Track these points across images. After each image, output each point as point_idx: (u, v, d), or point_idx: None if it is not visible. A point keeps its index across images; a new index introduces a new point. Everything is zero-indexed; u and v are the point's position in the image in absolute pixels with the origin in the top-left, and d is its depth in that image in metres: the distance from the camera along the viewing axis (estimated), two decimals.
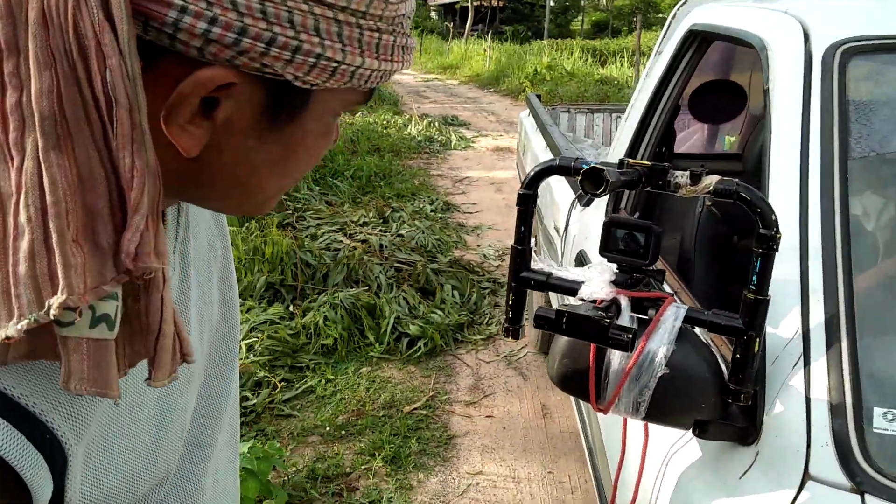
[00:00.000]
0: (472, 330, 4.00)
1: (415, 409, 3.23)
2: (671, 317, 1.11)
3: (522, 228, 1.21)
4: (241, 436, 2.96)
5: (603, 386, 1.14)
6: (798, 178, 1.22)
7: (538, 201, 3.76)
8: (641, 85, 2.34)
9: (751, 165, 2.14)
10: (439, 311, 4.04)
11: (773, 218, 1.02)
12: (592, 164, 0.97)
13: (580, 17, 43.70)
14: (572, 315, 1.01)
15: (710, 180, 1.07)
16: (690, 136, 3.55)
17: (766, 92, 1.42)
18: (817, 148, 1.22)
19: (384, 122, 10.20)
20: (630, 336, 0.99)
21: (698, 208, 2.04)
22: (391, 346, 3.73)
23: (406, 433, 3.03)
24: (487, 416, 3.22)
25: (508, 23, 39.23)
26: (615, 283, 1.14)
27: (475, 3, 35.77)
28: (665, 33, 2.31)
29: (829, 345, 1.06)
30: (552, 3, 40.20)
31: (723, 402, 1.10)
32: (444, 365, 3.66)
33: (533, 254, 1.25)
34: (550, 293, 1.84)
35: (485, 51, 21.39)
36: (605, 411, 1.15)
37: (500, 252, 5.33)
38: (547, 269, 1.24)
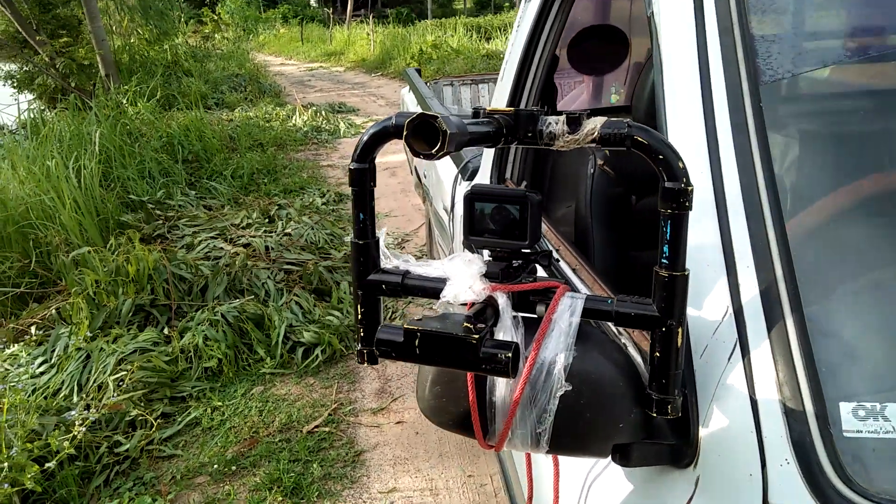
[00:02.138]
0: None
1: (316, 426, 2.89)
2: (566, 312, 0.84)
3: (362, 216, 0.90)
4: (115, 489, 2.55)
5: (490, 416, 0.86)
6: (702, 113, 0.96)
7: (423, 180, 3.45)
8: (514, 38, 2.07)
9: (641, 115, 1.92)
10: (337, 313, 3.70)
11: (681, 165, 0.76)
12: (424, 112, 0.67)
13: None
14: (427, 335, 0.71)
15: (594, 124, 0.79)
16: (578, 96, 3.34)
17: (649, 19, 1.16)
18: (720, 75, 0.97)
19: (266, 116, 9.65)
20: (509, 355, 0.70)
21: (590, 169, 1.80)
22: (285, 358, 3.36)
23: (307, 457, 2.69)
24: (398, 423, 2.92)
25: (391, 6, 38.71)
26: (488, 276, 0.85)
27: None
28: None
29: (770, 323, 0.81)
30: None
31: (645, 417, 0.83)
32: (347, 371, 3.33)
33: (382, 247, 0.94)
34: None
35: (368, 35, 20.87)
36: (497, 448, 0.86)
37: (400, 240, 5.03)
38: (402, 266, 0.94)
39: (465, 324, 0.72)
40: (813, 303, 0.83)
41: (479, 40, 19.19)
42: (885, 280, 0.89)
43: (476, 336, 0.70)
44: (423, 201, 3.91)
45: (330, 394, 3.13)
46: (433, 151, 0.66)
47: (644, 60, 2.65)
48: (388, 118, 0.88)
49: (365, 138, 0.90)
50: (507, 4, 37.03)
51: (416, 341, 0.71)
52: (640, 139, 0.76)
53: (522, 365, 0.80)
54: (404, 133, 0.66)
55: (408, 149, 0.68)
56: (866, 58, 1.06)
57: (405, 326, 0.72)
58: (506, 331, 0.83)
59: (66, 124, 5.98)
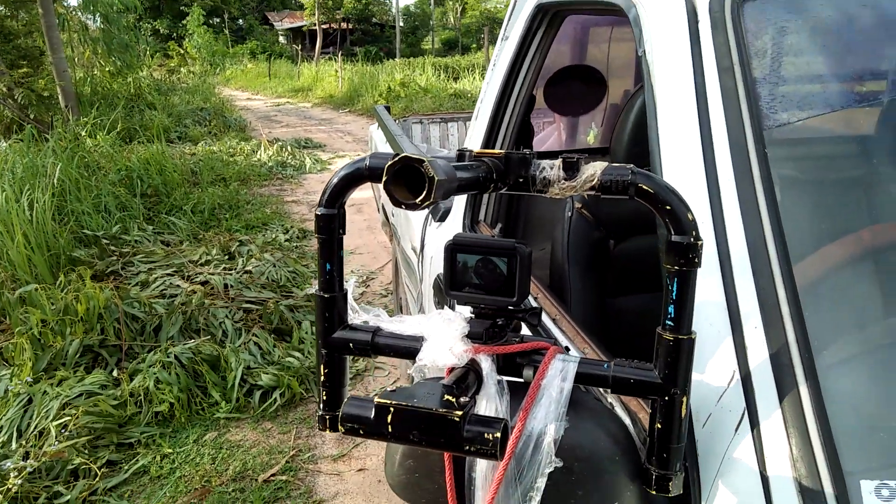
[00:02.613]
0: None
1: (272, 475, 2.72)
2: (556, 377, 0.75)
3: (329, 266, 0.80)
4: None
5: (469, 494, 0.76)
6: (702, 160, 0.89)
7: (391, 219, 3.34)
8: (489, 77, 2.01)
9: (622, 159, 1.86)
10: (297, 354, 3.54)
11: (690, 218, 0.68)
12: (408, 155, 0.58)
13: (430, 37, 44.29)
14: (401, 410, 0.61)
15: (594, 169, 0.71)
16: (549, 136, 3.31)
17: (640, 58, 1.10)
18: (721, 120, 0.90)
19: (230, 150, 9.49)
20: (497, 435, 0.60)
21: (567, 212, 1.73)
22: (241, 402, 3.19)
23: None
24: (359, 470, 2.77)
25: (359, 44, 39.11)
26: (470, 336, 0.76)
27: (323, 26, 35.25)
28: (510, 15, 1.99)
29: (781, 391, 0.73)
30: (402, 24, 40.53)
31: (643, 495, 0.74)
32: (306, 415, 3.17)
33: (350, 301, 0.84)
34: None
35: (337, 71, 20.93)
36: None
37: (365, 277, 4.91)
38: (373, 321, 0.84)
39: (446, 396, 0.63)
40: (829, 367, 0.76)
41: (447, 79, 19.38)
42: None
43: (459, 413, 0.60)
44: (391, 240, 3.81)
45: (288, 439, 2.97)
46: (417, 201, 0.56)
47: (621, 102, 2.62)
48: (360, 159, 0.79)
49: (335, 181, 0.80)
50: (473, 46, 37.72)
51: (389, 417, 0.61)
52: (645, 187, 0.68)
53: (508, 437, 0.71)
54: (384, 178, 0.57)
55: (385, 196, 0.58)
56: (873, 102, 1.01)
57: (377, 400, 0.62)
58: (490, 399, 0.73)
59: (21, 155, 5.76)
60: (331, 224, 0.79)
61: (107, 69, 12.31)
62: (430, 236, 2.26)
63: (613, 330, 1.70)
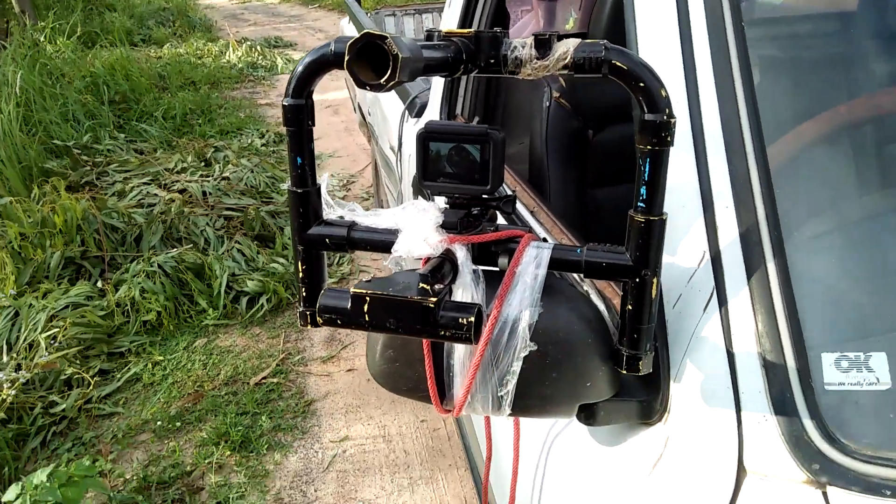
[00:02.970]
0: None
1: (263, 378, 2.79)
2: (531, 264, 0.75)
3: (300, 160, 0.78)
4: (53, 450, 2.42)
5: (447, 381, 0.78)
6: (678, 38, 0.86)
7: (368, 118, 3.28)
8: None
9: None
10: (282, 260, 3.56)
11: (664, 94, 0.66)
12: (371, 31, 0.55)
13: None
14: (377, 299, 0.61)
15: (566, 47, 0.69)
16: (527, 25, 3.20)
17: None
18: None
19: (197, 52, 9.13)
20: (472, 319, 0.61)
21: (546, 102, 1.69)
22: (228, 309, 3.23)
23: (255, 409, 2.60)
24: (349, 371, 2.85)
25: None
26: (445, 226, 0.75)
27: None
28: None
29: (749, 270, 0.74)
30: None
31: (614, 375, 0.76)
32: (294, 320, 3.22)
33: (325, 196, 0.83)
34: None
35: None
36: (455, 413, 0.78)
37: (345, 181, 4.87)
38: (348, 216, 0.83)
39: (421, 284, 0.63)
40: (797, 244, 0.76)
41: None
42: (873, 217, 0.83)
43: (434, 299, 0.61)
44: (369, 140, 3.75)
45: (277, 344, 3.03)
46: (382, 81, 0.54)
47: None
48: (325, 44, 0.76)
49: (300, 69, 0.77)
50: None
51: (365, 307, 0.62)
52: (618, 63, 0.66)
53: (484, 324, 0.72)
54: (346, 58, 0.55)
55: (351, 79, 0.56)
56: None
57: (352, 290, 0.62)
58: (465, 287, 0.74)
59: None
60: (299, 115, 0.77)
61: None
62: (407, 133, 2.23)
63: (593, 221, 1.71)
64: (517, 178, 1.43)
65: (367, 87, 0.56)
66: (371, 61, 0.56)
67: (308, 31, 12.39)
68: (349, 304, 0.63)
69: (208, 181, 4.31)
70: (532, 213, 1.28)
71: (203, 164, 4.75)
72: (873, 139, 0.90)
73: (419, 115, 2.13)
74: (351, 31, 3.90)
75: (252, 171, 4.54)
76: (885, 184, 0.87)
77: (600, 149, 1.72)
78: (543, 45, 0.69)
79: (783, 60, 0.91)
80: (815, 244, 0.79)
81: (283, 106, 0.77)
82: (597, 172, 1.71)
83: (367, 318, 0.62)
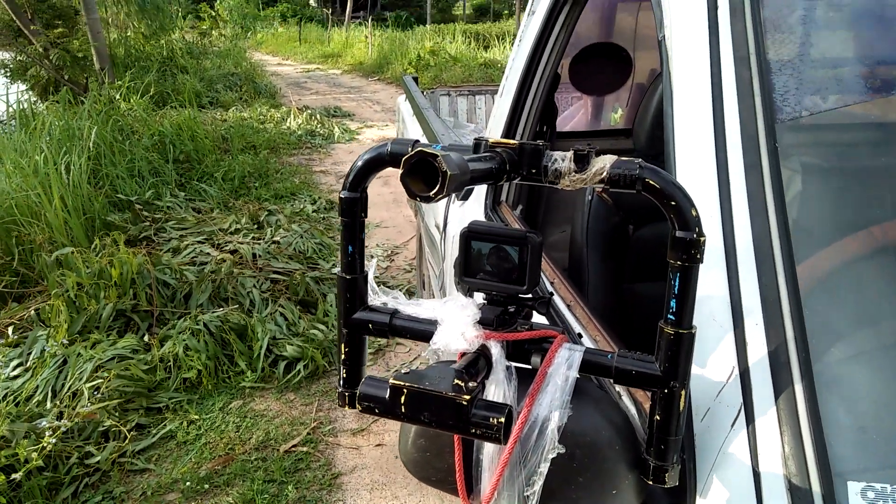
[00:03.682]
0: None
1: (294, 446, 2.81)
2: (563, 365, 0.78)
3: (351, 248, 0.84)
4: (83, 502, 2.46)
5: (476, 475, 0.79)
6: (713, 151, 0.90)
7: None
8: (515, 53, 2.01)
9: (643, 142, 1.86)
10: (322, 326, 3.62)
11: (694, 214, 0.70)
12: (423, 149, 0.61)
13: (461, 2, 43.73)
14: (414, 393, 0.65)
15: (603, 163, 0.73)
16: (575, 114, 3.30)
17: (660, 43, 1.11)
18: (735, 110, 0.91)
19: (260, 117, 9.56)
20: (502, 420, 0.64)
21: (588, 196, 1.74)
22: (266, 372, 3.28)
23: (283, 478, 2.61)
24: (377, 445, 2.85)
25: (390, 9, 38.74)
26: (482, 322, 0.79)
27: None
28: None
29: (777, 389, 0.75)
30: None
31: (640, 485, 0.77)
32: (328, 388, 3.25)
33: (371, 283, 0.88)
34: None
35: (366, 38, 20.82)
36: None
37: (390, 252, 4.96)
38: (391, 303, 0.88)
39: (456, 380, 0.66)
40: (825, 366, 0.77)
41: (478, 48, 19.19)
42: None
43: (467, 397, 0.64)
44: (415, 214, 3.85)
45: (310, 411, 3.05)
46: (431, 194, 0.59)
47: (647, 82, 2.60)
48: (383, 144, 0.82)
49: (358, 164, 0.84)
50: (505, 12, 37.16)
51: (402, 398, 0.65)
52: (651, 182, 0.70)
53: (514, 422, 0.74)
54: (400, 172, 0.60)
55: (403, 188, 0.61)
56: (889, 93, 1.01)
57: (391, 381, 0.66)
58: (498, 384, 0.77)
59: (58, 118, 5.88)
60: (353, 207, 0.83)
61: (140, 31, 12.42)
62: (453, 215, 2.29)
63: (630, 316, 1.72)
64: (556, 269, 1.47)
65: (418, 199, 0.61)
66: (423, 174, 0.61)
67: (366, 102, 12.87)
68: (387, 395, 0.66)
69: (259, 244, 4.45)
70: (569, 306, 1.30)
71: (256, 226, 4.91)
72: None
73: (465, 198, 2.20)
74: (406, 109, 4.05)
75: (301, 237, 4.67)
76: None
77: (639, 245, 1.75)
78: (582, 159, 0.73)
79: (818, 178, 0.94)
80: (844, 367, 0.80)
81: (340, 198, 0.83)
82: (635, 267, 1.74)
83: (403, 410, 0.65)
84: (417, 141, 0.84)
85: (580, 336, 1.17)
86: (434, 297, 2.88)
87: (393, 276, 4.50)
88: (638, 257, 1.72)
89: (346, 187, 0.83)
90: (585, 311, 1.23)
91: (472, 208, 2.03)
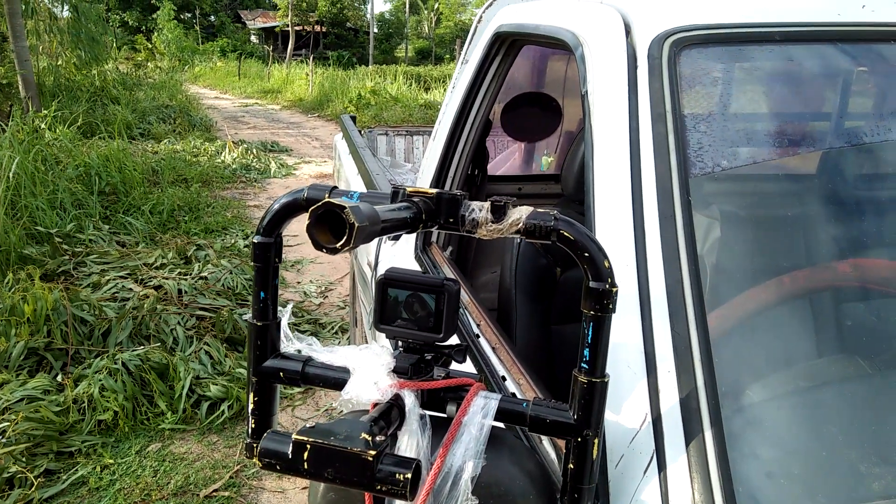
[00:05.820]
0: None
1: (215, 490, 2.69)
2: (478, 414, 0.77)
3: (263, 294, 0.81)
4: None
5: None
6: (630, 205, 0.93)
7: None
8: (448, 99, 2.04)
9: (570, 188, 1.90)
10: None
11: (607, 265, 0.71)
12: (331, 200, 0.59)
13: (404, 45, 44.40)
14: (317, 448, 0.62)
15: (520, 214, 0.74)
16: (509, 158, 3.36)
17: (583, 98, 1.14)
18: (651, 166, 0.94)
19: (194, 150, 9.37)
20: (409, 476, 0.62)
21: (516, 239, 1.76)
22: (188, 413, 3.15)
23: None
24: (304, 488, 2.76)
25: (332, 48, 39.00)
26: (396, 371, 0.78)
27: (297, 28, 35.07)
28: (471, 39, 2.03)
29: (688, 436, 0.76)
30: (376, 31, 40.56)
31: None
32: None
33: (285, 329, 0.85)
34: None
35: (307, 75, 20.84)
36: None
37: (323, 288, 4.89)
38: (305, 350, 0.85)
39: (364, 435, 0.64)
40: (734, 412, 0.79)
41: (419, 90, 19.46)
42: (808, 390, 0.86)
43: (373, 452, 0.62)
44: (349, 252, 3.81)
45: (233, 454, 2.94)
46: (337, 245, 0.58)
47: (576, 129, 2.67)
48: (299, 190, 0.81)
49: (275, 208, 0.82)
50: (447, 56, 37.93)
51: (305, 454, 0.63)
52: (566, 234, 0.71)
53: (426, 473, 0.72)
54: (307, 223, 0.59)
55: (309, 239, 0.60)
56: (794, 150, 1.06)
57: (294, 437, 0.64)
58: (411, 434, 0.75)
59: None
60: (267, 252, 0.81)
61: (72, 61, 12.09)
62: (384, 255, 2.28)
63: (557, 356, 1.74)
64: (482, 311, 1.47)
65: (323, 250, 0.59)
66: (330, 224, 0.60)
67: (305, 138, 12.81)
68: (290, 451, 0.64)
69: (185, 279, 4.32)
70: (494, 349, 1.30)
71: (183, 261, 4.77)
72: (812, 311, 0.95)
73: (397, 238, 2.19)
74: (343, 148, 4.05)
75: (231, 272, 4.56)
76: (820, 355, 0.91)
77: (567, 287, 1.77)
78: (498, 210, 0.74)
79: (730, 229, 0.97)
80: (752, 413, 0.82)
81: (253, 243, 0.81)
82: (563, 309, 1.76)
83: (305, 467, 0.63)
84: (335, 188, 0.83)
85: (504, 379, 1.17)
86: (366, 335, 2.84)
87: (326, 313, 4.43)
88: (565, 299, 1.74)
89: (260, 232, 0.81)
90: (510, 354, 1.23)
91: (403, 249, 2.02)
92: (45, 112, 8.24)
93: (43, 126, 7.54)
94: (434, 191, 0.78)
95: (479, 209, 0.77)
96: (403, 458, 0.64)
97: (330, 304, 4.62)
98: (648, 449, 0.77)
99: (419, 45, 45.50)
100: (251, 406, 0.83)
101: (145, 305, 3.77)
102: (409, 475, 0.62)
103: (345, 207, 0.58)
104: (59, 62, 12.08)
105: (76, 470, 2.75)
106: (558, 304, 1.78)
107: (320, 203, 0.59)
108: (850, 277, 1.01)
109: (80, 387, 3.08)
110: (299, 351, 0.85)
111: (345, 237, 0.58)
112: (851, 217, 1.03)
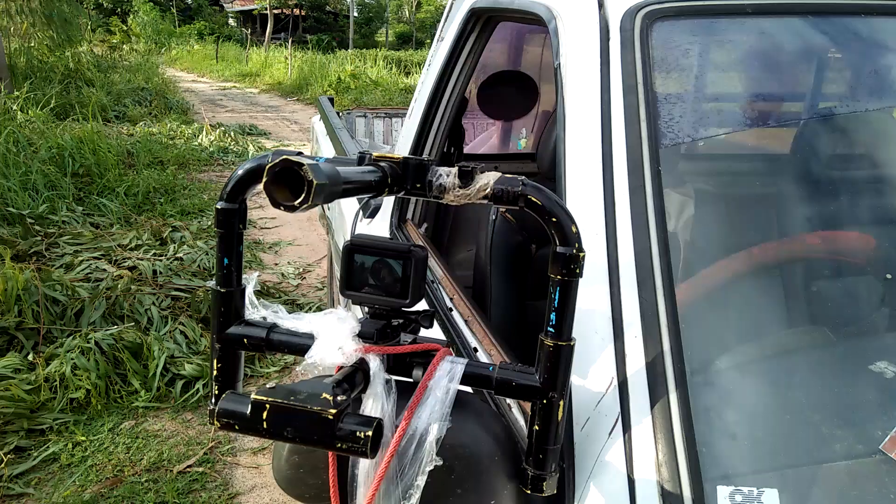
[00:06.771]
0: (263, 361, 3.49)
1: (188, 466, 2.68)
2: (444, 378, 0.77)
3: (227, 261, 0.80)
4: None
5: (351, 490, 0.77)
6: (601, 173, 0.93)
7: (327, 212, 3.32)
8: (424, 77, 2.03)
9: (546, 166, 1.90)
10: None
11: (574, 230, 0.71)
12: (288, 157, 0.58)
13: (384, 29, 44.06)
14: (277, 407, 0.62)
15: (487, 179, 0.73)
16: (488, 139, 3.35)
17: (556, 70, 1.13)
18: (622, 135, 0.94)
19: (170, 133, 9.24)
20: (369, 433, 0.62)
21: (492, 215, 1.76)
22: (162, 391, 3.13)
23: (175, 499, 2.48)
24: None
25: (312, 32, 38.59)
26: (362, 335, 0.77)
27: (275, 11, 34.65)
28: (446, 17, 2.01)
29: (653, 398, 0.77)
30: (356, 14, 40.20)
31: (519, 494, 0.77)
32: None
33: (249, 296, 0.85)
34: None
35: (286, 59, 20.60)
36: None
37: (301, 269, 4.86)
38: (271, 317, 0.84)
39: (324, 395, 0.64)
40: (699, 377, 0.80)
41: (399, 74, 19.34)
42: (773, 357, 0.87)
43: (333, 411, 0.61)
44: (327, 233, 3.79)
45: (207, 431, 2.93)
46: (296, 203, 0.57)
47: (552, 109, 2.67)
48: (264, 155, 0.80)
49: (238, 173, 0.81)
50: (428, 41, 37.69)
51: (265, 414, 0.62)
52: (533, 199, 0.71)
53: (392, 435, 0.72)
54: (263, 179, 0.58)
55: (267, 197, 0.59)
56: (765, 124, 1.07)
57: (253, 397, 0.63)
58: (376, 398, 0.75)
59: None
60: (231, 218, 0.80)
61: (45, 42, 11.85)
62: (360, 231, 2.27)
63: (531, 331, 1.74)
64: (457, 286, 1.46)
65: (281, 208, 0.58)
66: (289, 183, 0.59)
67: (284, 121, 12.69)
68: (248, 411, 0.63)
69: (161, 260, 4.27)
70: (467, 322, 1.30)
71: (159, 243, 4.72)
72: (779, 282, 0.96)
73: (372, 216, 2.18)
74: (321, 130, 4.01)
75: (207, 254, 4.52)
76: (787, 325, 0.92)
77: (542, 263, 1.77)
78: (466, 175, 0.73)
79: (700, 201, 0.98)
80: (717, 378, 0.82)
81: (216, 209, 0.80)
82: (537, 285, 1.76)
83: (264, 426, 0.62)
84: (300, 153, 0.82)
85: (476, 350, 1.17)
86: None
87: (304, 294, 4.41)
88: (540, 275, 1.74)
89: (224, 198, 0.80)
90: (482, 326, 1.23)
91: (378, 226, 2.01)
92: (17, 93, 8.08)
93: (15, 108, 7.39)
94: (401, 156, 0.77)
95: (447, 174, 0.76)
96: (365, 417, 0.64)
97: (308, 286, 4.59)
98: (614, 411, 0.78)
99: (400, 29, 45.17)
100: (214, 373, 0.82)
101: (119, 286, 3.72)
102: (370, 433, 0.61)
103: (303, 165, 0.57)
104: (32, 43, 11.83)
105: (48, 447, 2.73)
106: (533, 280, 1.79)
107: (278, 160, 0.58)
108: (817, 249, 1.02)
109: (52, 365, 3.04)
110: (265, 318, 0.85)
111: (303, 195, 0.57)
112: (820, 188, 1.04)
